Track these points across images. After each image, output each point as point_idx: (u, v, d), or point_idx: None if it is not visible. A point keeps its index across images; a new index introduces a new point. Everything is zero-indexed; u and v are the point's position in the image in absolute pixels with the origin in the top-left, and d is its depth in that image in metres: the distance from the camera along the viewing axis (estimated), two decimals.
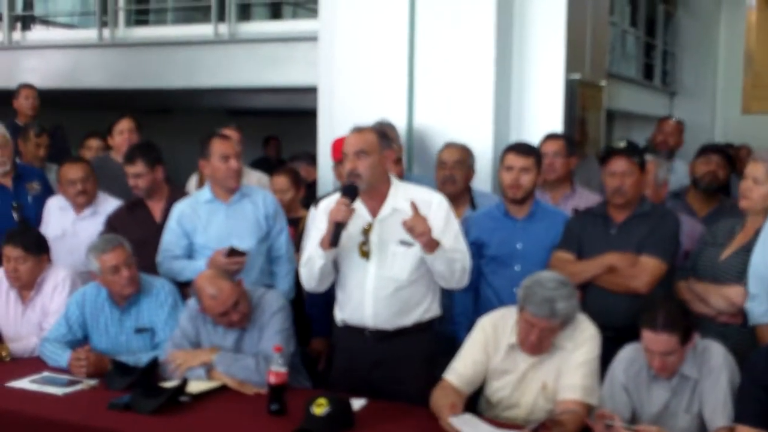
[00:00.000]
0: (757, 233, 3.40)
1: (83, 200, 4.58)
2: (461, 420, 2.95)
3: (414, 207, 3.20)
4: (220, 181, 4.03)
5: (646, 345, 2.97)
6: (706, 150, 4.78)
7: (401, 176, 4.18)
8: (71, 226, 4.55)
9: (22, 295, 4.10)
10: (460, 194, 4.22)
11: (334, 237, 3.23)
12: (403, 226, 3.19)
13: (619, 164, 3.64)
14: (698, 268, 3.58)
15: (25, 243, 4.02)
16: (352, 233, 3.32)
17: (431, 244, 3.21)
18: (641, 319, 2.96)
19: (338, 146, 3.90)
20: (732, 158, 4.52)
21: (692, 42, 11.37)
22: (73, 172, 4.57)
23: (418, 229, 3.16)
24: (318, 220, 3.47)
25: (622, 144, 3.71)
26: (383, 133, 3.61)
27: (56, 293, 4.05)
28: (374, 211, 3.37)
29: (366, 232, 3.36)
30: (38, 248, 4.07)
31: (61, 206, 4.67)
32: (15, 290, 4.10)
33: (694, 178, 4.62)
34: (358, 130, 3.39)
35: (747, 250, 3.41)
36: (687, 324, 2.94)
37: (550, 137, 4.50)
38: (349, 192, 3.25)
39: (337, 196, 3.42)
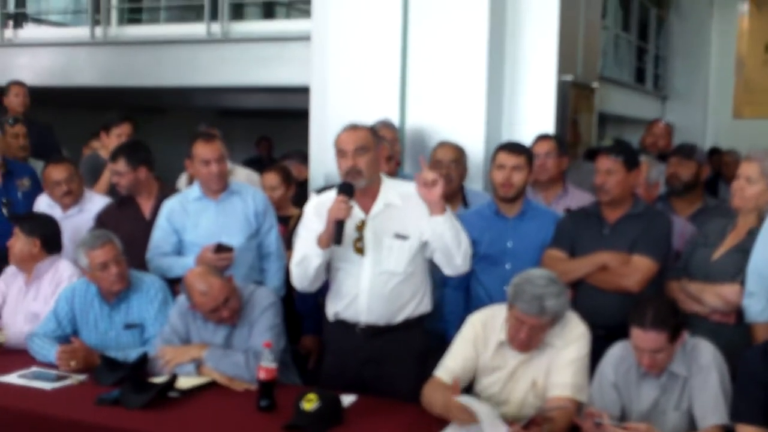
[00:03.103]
0: (749, 233, 3.41)
1: (69, 200, 4.64)
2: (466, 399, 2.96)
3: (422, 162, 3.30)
4: (203, 183, 4.06)
5: (635, 343, 2.97)
6: (665, 156, 4.80)
7: (393, 174, 4.19)
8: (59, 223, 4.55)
9: (27, 280, 4.13)
10: (453, 193, 4.23)
11: (336, 235, 3.23)
12: (416, 182, 3.23)
13: (602, 162, 3.68)
14: (690, 268, 3.58)
15: (20, 222, 4.13)
16: (345, 230, 3.32)
17: (442, 204, 3.25)
18: (630, 316, 2.96)
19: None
20: (692, 150, 4.50)
21: (684, 46, 11.43)
22: (57, 173, 4.60)
23: (431, 178, 3.22)
24: (307, 220, 3.47)
25: (607, 143, 3.73)
26: (375, 130, 3.63)
27: (59, 289, 4.01)
28: (366, 208, 3.38)
29: (360, 228, 3.36)
30: (30, 230, 4.09)
31: (50, 204, 4.70)
32: (23, 275, 4.14)
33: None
34: (353, 128, 3.40)
35: (740, 250, 3.41)
36: (676, 322, 2.95)
37: (542, 138, 4.51)
38: (346, 189, 3.26)
39: (328, 195, 3.42)
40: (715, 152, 8.35)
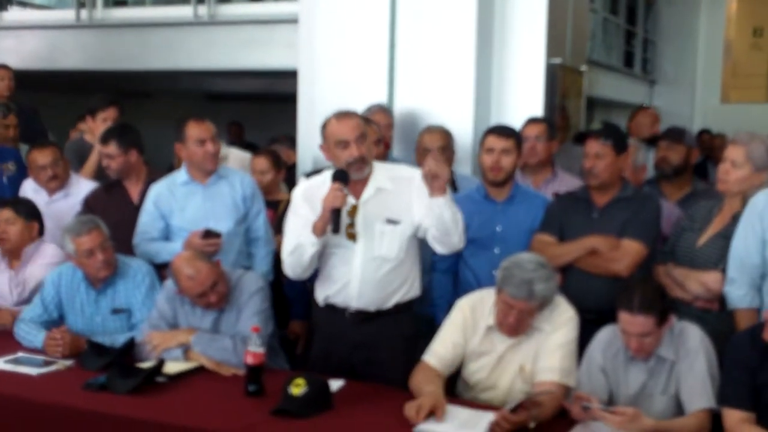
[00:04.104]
0: (733, 218, 3.40)
1: (55, 185, 4.61)
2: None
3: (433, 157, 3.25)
4: (198, 164, 4.01)
5: (623, 326, 2.97)
6: (654, 139, 4.79)
7: (383, 158, 4.17)
8: (45, 208, 4.51)
9: (11, 265, 4.12)
10: None
11: (334, 223, 3.19)
12: (423, 171, 3.15)
13: (591, 146, 3.67)
14: (676, 253, 3.59)
15: (15, 206, 4.11)
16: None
17: (443, 187, 3.17)
18: (618, 300, 2.96)
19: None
20: (681, 134, 4.49)
21: (672, 30, 11.44)
22: (42, 157, 4.57)
23: (442, 173, 3.13)
24: (296, 206, 3.44)
25: (596, 126, 3.72)
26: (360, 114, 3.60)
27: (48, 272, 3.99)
28: (357, 194, 3.35)
29: (351, 214, 3.33)
30: (28, 213, 4.11)
31: (35, 188, 4.67)
32: (5, 260, 4.12)
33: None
34: (347, 115, 3.34)
35: (724, 235, 3.41)
36: (663, 306, 2.95)
37: (532, 121, 4.50)
38: (341, 177, 3.22)
39: (316, 179, 3.40)
40: (704, 133, 8.38)
